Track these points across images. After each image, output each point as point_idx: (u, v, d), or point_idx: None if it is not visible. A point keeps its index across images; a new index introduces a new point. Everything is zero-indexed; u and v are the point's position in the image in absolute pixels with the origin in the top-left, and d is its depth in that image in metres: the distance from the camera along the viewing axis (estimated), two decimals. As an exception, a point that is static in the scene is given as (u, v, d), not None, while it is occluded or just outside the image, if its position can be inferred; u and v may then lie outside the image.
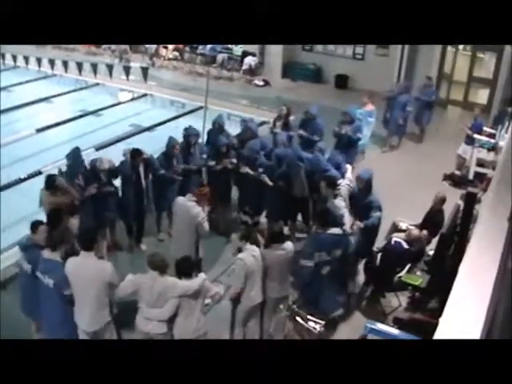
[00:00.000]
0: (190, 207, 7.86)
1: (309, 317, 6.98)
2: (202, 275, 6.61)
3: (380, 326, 6.59)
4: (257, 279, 6.99)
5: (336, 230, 7.52)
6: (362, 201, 8.56)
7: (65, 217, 7.31)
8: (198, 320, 6.48)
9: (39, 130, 14.85)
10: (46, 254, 6.39)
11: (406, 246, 8.32)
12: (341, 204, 8.32)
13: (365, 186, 8.60)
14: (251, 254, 6.93)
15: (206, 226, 7.95)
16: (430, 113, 15.38)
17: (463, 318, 3.44)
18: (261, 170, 9.85)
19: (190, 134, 10.01)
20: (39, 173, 11.39)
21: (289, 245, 7.24)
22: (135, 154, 9.34)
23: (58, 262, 6.31)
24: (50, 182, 8.28)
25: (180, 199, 8.14)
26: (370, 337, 6.36)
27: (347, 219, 8.18)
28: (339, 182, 8.87)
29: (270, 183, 9.73)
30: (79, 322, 6.35)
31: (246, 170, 9.90)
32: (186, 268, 6.48)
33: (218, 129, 10.74)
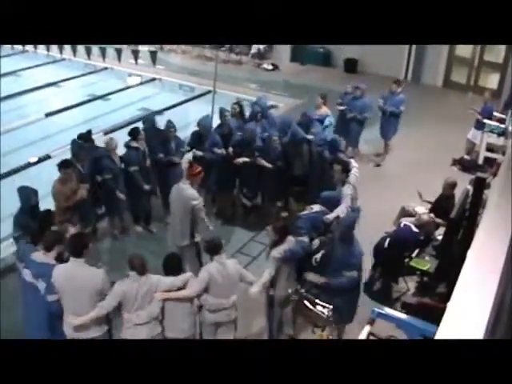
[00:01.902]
0: (184, 189, 7.83)
1: (317, 301, 6.99)
2: (188, 273, 6.58)
3: (388, 311, 6.59)
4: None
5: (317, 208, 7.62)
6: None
7: (60, 217, 7.27)
8: (183, 320, 6.45)
9: (48, 115, 14.87)
10: (39, 256, 6.26)
11: (415, 229, 8.33)
12: (347, 191, 8.21)
13: None
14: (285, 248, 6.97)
15: (202, 210, 7.93)
16: (396, 124, 13.26)
17: (470, 303, 3.44)
18: (257, 153, 9.87)
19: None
20: (48, 157, 11.42)
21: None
22: (134, 133, 9.43)
23: (50, 264, 6.16)
24: (64, 167, 8.26)
25: (175, 185, 8.13)
26: (378, 321, 6.37)
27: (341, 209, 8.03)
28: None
29: (268, 165, 9.75)
30: (67, 332, 6.18)
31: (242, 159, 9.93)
32: (173, 266, 6.44)
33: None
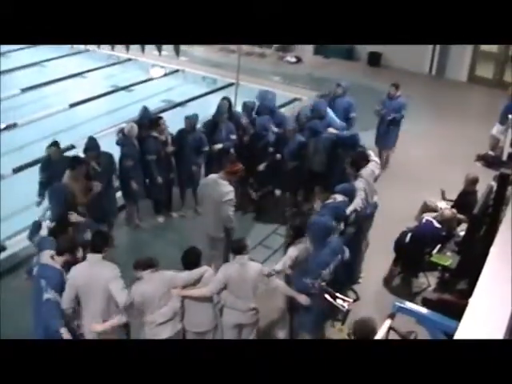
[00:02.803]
0: (221, 185, 7.81)
1: (337, 294, 6.98)
2: (204, 267, 6.51)
3: (408, 305, 6.56)
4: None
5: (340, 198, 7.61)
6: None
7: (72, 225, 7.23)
8: (203, 314, 6.44)
9: (72, 105, 14.98)
10: (47, 258, 6.23)
11: (437, 225, 8.29)
12: (359, 185, 8.03)
13: None
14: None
15: (232, 209, 7.89)
16: (397, 132, 12.36)
17: (492, 300, 3.42)
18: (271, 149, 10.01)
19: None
20: (72, 147, 11.51)
21: None
22: (154, 122, 9.60)
23: (56, 268, 6.14)
24: (75, 165, 8.32)
25: (211, 176, 8.13)
26: (399, 315, 6.35)
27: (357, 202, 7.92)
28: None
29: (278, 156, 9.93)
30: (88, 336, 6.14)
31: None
32: (191, 260, 6.39)
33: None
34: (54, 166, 8.63)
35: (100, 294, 6.00)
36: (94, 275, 6.00)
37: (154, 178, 9.65)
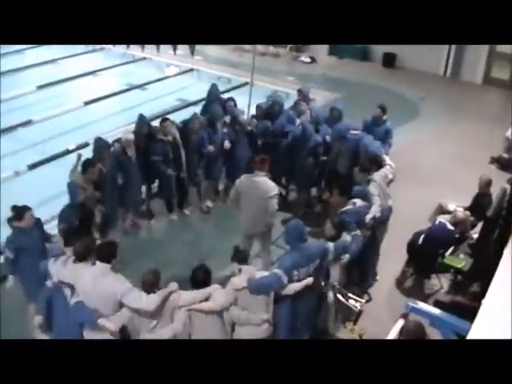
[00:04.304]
0: (263, 182, 7.78)
1: (350, 295, 6.98)
2: (213, 286, 6.14)
3: (421, 305, 6.56)
4: None
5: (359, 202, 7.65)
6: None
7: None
8: (216, 332, 6.07)
9: (87, 103, 15.05)
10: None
11: (450, 227, 8.25)
12: (373, 191, 7.93)
13: None
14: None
15: (276, 204, 7.95)
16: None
17: (505, 303, 3.41)
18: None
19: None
20: (86, 145, 11.56)
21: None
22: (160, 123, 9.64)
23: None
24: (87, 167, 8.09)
25: (247, 176, 8.03)
26: (412, 316, 6.35)
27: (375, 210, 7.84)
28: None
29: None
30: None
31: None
32: (200, 279, 6.06)
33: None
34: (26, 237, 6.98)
35: (104, 304, 5.84)
36: (100, 286, 5.82)
37: (164, 177, 9.70)
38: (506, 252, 4.01)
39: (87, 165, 8.12)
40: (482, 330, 3.20)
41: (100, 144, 8.95)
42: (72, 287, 5.95)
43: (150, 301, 5.74)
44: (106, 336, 5.77)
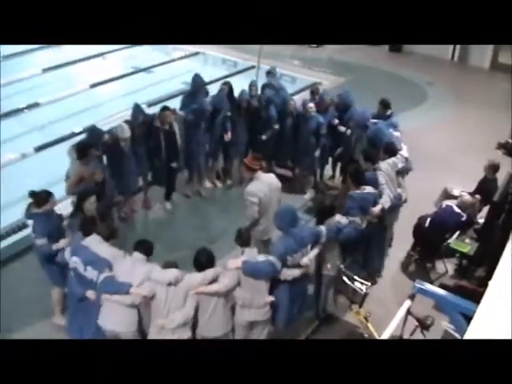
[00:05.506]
0: (269, 178, 7.62)
1: (355, 277, 7.01)
2: (218, 268, 6.21)
3: (428, 287, 6.60)
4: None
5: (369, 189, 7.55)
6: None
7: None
8: (219, 317, 6.17)
9: (93, 86, 15.05)
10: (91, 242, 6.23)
11: (457, 210, 8.26)
12: (381, 180, 7.88)
13: None
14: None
15: None
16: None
17: (510, 287, 3.42)
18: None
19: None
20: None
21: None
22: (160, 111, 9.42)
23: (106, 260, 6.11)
24: (83, 152, 7.90)
25: (259, 182, 7.60)
26: (418, 296, 6.39)
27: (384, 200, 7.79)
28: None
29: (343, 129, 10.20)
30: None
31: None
32: (204, 261, 6.14)
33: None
34: (51, 221, 6.94)
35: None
36: (136, 272, 6.00)
37: (162, 165, 9.57)
38: (512, 236, 4.02)
39: (82, 149, 7.94)
40: (487, 313, 3.22)
41: (94, 133, 8.80)
42: (108, 265, 6.07)
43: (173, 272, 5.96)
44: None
